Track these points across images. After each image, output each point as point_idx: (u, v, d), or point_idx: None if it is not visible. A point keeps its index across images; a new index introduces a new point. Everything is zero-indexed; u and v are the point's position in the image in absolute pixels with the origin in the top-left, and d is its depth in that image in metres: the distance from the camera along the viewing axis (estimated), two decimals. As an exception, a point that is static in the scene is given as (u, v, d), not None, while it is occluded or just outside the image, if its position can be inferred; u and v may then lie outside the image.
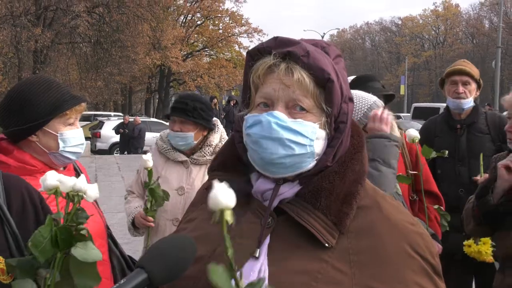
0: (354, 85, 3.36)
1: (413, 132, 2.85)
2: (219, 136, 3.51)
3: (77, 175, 2.43)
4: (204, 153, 3.43)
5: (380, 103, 2.76)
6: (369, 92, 2.89)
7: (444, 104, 4.23)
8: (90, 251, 1.20)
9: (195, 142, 3.43)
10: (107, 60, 31.68)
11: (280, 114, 1.27)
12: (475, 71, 3.97)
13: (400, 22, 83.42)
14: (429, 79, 76.59)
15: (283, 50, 1.30)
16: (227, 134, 3.53)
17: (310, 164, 1.31)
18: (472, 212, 2.71)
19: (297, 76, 1.27)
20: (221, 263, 0.95)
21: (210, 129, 3.48)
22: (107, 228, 2.54)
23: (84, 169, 2.68)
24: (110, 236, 2.52)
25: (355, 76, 3.90)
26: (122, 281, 1.04)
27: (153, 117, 38.16)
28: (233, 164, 1.42)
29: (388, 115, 2.60)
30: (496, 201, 2.55)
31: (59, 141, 2.23)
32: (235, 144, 1.41)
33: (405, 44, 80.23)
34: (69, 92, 2.28)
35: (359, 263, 1.23)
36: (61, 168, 2.34)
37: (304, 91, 1.28)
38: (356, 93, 2.75)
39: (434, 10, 78.19)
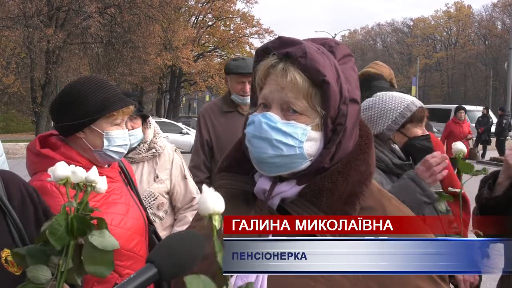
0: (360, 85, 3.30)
1: (461, 145, 2.48)
2: (153, 132, 3.40)
3: (122, 173, 2.53)
4: (140, 150, 3.30)
5: (419, 103, 2.70)
6: (374, 92, 2.86)
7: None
8: (108, 239, 1.22)
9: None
10: (118, 60, 31.80)
11: (272, 115, 1.30)
12: (382, 71, 3.80)
13: (411, 23, 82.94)
14: (440, 80, 76.19)
15: (283, 50, 1.30)
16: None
17: (303, 165, 1.32)
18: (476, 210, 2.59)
19: (290, 78, 1.28)
20: None
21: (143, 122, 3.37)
22: (151, 224, 2.60)
23: (131, 168, 2.73)
24: (155, 233, 2.59)
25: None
26: (132, 275, 1.04)
27: (164, 118, 38.21)
28: (239, 164, 1.44)
29: (441, 168, 2.49)
30: (500, 193, 2.38)
31: (104, 139, 2.30)
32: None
33: (417, 45, 79.82)
34: (119, 94, 2.35)
35: None
36: (106, 166, 2.41)
37: (297, 93, 1.29)
38: (393, 94, 2.74)
39: (446, 11, 77.71)
